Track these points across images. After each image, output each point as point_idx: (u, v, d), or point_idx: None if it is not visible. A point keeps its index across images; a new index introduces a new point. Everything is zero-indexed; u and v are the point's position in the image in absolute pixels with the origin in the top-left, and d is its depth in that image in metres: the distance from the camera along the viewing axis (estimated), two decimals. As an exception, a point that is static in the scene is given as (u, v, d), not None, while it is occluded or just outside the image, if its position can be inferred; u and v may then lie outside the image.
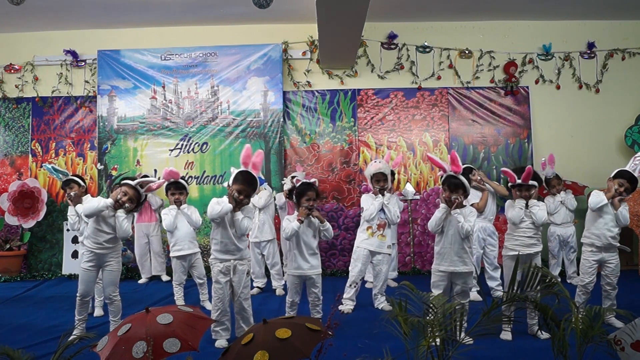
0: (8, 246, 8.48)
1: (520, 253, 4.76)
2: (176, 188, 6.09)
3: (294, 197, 5.27)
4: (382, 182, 5.87)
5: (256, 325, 2.85)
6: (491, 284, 6.45)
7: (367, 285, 6.73)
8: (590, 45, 8.84)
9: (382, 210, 5.88)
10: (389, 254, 6.06)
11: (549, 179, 7.02)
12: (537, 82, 8.83)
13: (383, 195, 5.88)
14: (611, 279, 5.07)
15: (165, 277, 7.86)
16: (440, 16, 8.69)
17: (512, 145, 8.64)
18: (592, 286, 5.05)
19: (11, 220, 8.39)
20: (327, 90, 8.81)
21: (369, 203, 5.91)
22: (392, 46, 8.87)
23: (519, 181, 5.05)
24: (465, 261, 4.68)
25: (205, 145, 8.63)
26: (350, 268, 6.00)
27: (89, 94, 8.95)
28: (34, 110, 8.96)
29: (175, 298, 6.14)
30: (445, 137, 8.66)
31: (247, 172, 4.66)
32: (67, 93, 8.98)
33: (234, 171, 4.71)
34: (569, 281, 7.06)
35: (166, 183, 5.92)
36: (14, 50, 9.05)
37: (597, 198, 5.00)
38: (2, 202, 8.42)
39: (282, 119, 8.65)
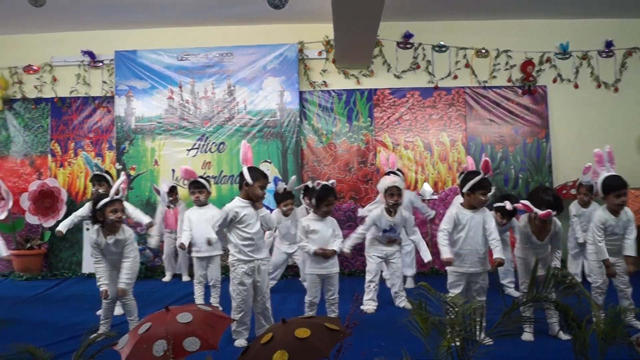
0: (29, 245, 8.59)
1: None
2: (196, 187, 6.17)
3: (313, 200, 5.26)
4: (396, 196, 5.78)
5: (275, 324, 2.85)
6: (502, 280, 6.46)
7: (387, 284, 6.75)
8: (609, 44, 8.77)
9: (391, 229, 5.87)
10: (399, 250, 6.13)
11: (581, 184, 6.89)
12: (554, 81, 8.78)
13: (393, 213, 5.85)
14: (623, 277, 5.02)
15: (185, 278, 7.92)
16: (456, 15, 8.66)
17: (530, 144, 8.59)
18: (605, 286, 5.02)
19: (32, 219, 8.52)
20: (343, 90, 8.81)
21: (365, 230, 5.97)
22: (408, 46, 8.86)
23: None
24: (484, 261, 4.74)
25: (222, 145, 8.67)
26: (366, 269, 6.05)
27: (107, 94, 9.02)
28: (52, 111, 9.05)
29: (195, 297, 6.18)
30: (463, 137, 8.64)
31: (255, 167, 4.83)
32: (85, 93, 9.06)
33: (245, 172, 4.70)
34: (589, 280, 6.98)
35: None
36: (32, 52, 9.14)
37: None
38: (22, 201, 8.53)
39: (298, 119, 8.66)
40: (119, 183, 4.97)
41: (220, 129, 8.72)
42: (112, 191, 4.82)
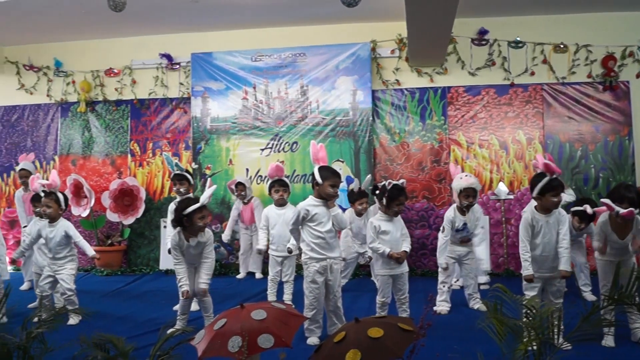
0: (109, 241, 8.93)
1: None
2: (280, 185, 6.27)
3: (383, 199, 5.24)
4: (471, 197, 5.73)
5: (348, 323, 2.85)
6: (579, 283, 6.27)
7: (458, 284, 6.68)
8: (697, 36, 8.33)
9: (464, 228, 5.80)
10: (472, 251, 6.01)
11: None
12: (638, 76, 8.37)
13: (465, 213, 5.80)
14: None
15: (258, 275, 8.04)
16: (532, 10, 8.39)
17: (612, 142, 8.24)
18: None
19: (112, 216, 8.84)
20: (416, 88, 8.71)
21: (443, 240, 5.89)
22: (483, 42, 8.67)
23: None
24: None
25: (295, 145, 8.74)
26: (439, 270, 5.99)
27: (184, 96, 9.25)
28: (132, 112, 9.37)
29: (267, 293, 6.27)
30: (540, 135, 8.38)
31: (327, 166, 4.83)
32: (163, 95, 9.32)
33: (315, 171, 4.74)
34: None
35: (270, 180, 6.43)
36: (113, 55, 9.49)
37: None
38: (103, 199, 8.87)
39: (371, 118, 8.62)
40: (210, 192, 5.11)
41: (293, 128, 8.80)
42: (203, 198, 4.93)
